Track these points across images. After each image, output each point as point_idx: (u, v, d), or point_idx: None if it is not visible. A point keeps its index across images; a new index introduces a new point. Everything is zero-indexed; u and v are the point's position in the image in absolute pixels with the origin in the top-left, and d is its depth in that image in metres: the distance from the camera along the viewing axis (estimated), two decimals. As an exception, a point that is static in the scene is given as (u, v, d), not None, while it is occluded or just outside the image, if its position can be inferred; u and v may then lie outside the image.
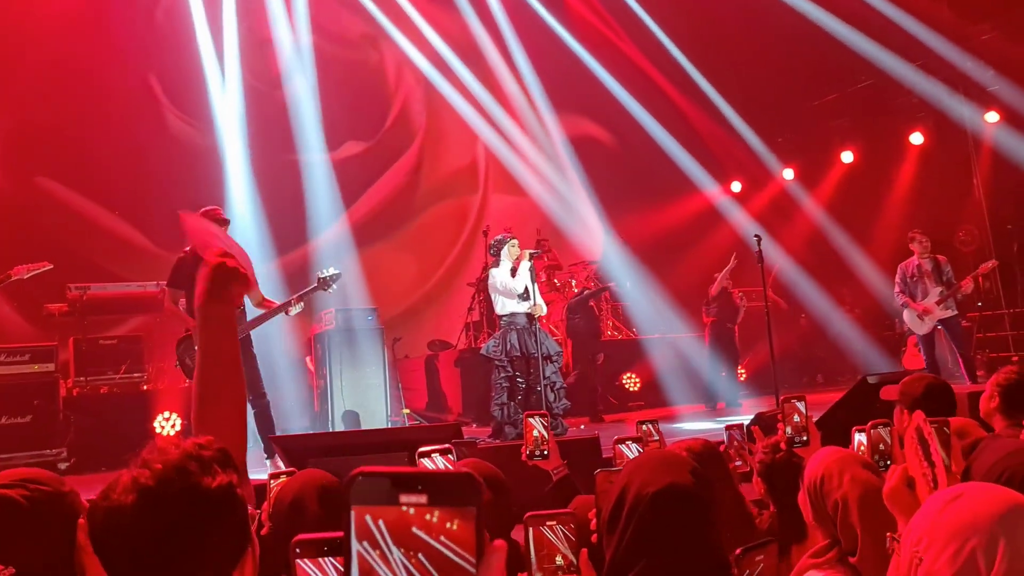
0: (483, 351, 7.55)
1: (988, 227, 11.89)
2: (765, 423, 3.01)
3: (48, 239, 8.43)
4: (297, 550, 1.25)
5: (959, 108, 11.91)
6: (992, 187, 11.85)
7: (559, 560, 1.58)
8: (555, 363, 7.47)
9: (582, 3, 13.92)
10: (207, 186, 10.38)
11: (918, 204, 12.48)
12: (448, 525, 0.62)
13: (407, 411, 9.26)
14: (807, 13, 12.23)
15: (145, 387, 8.32)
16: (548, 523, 1.60)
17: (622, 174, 13.48)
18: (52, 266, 5.81)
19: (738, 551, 1.63)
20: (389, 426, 8.33)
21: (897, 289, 8.54)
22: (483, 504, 0.63)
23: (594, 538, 1.71)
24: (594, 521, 1.76)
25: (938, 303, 8.26)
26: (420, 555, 0.61)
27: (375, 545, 0.61)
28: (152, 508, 1.11)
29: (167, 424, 7.88)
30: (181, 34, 11.01)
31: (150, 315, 8.97)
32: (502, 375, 7.27)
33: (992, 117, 11.53)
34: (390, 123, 13.22)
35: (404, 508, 0.62)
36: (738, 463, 3.00)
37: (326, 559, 1.26)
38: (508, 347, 7.24)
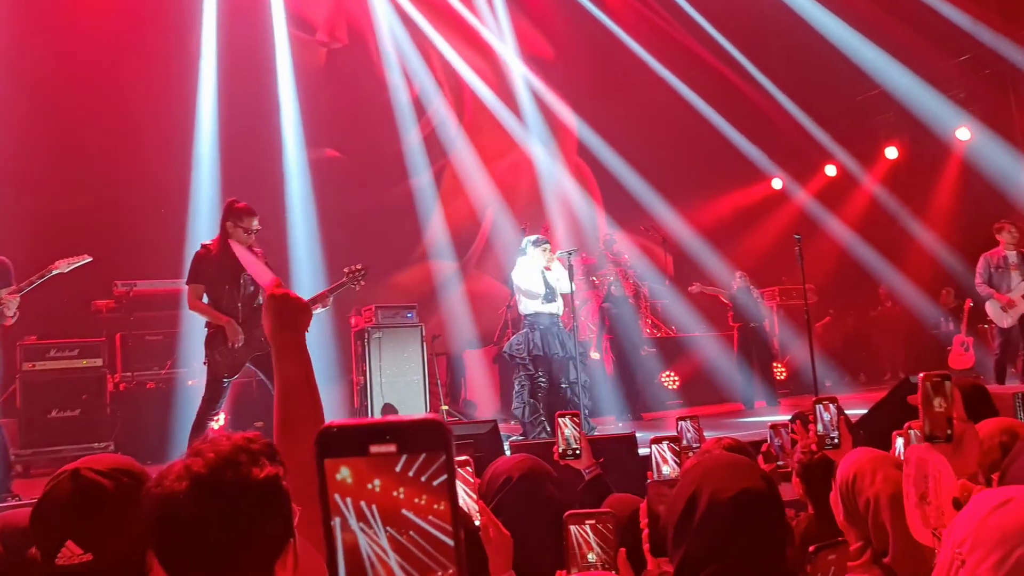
0: (505, 350, 7.53)
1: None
2: (807, 421, 2.96)
3: (94, 239, 8.54)
4: None
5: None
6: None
7: (591, 557, 1.58)
8: (581, 363, 7.42)
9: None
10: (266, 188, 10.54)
11: (965, 200, 12.23)
12: (436, 507, 0.64)
13: (445, 408, 9.30)
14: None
15: (190, 382, 8.44)
16: (588, 522, 1.61)
17: (663, 164, 13.30)
18: (91, 258, 5.69)
19: (811, 549, 1.62)
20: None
21: (979, 279, 8.25)
22: (452, 450, 0.65)
23: (646, 547, 1.72)
24: (644, 526, 1.77)
25: (1023, 296, 8.05)
26: (412, 532, 0.64)
27: (369, 525, 0.64)
28: (204, 495, 1.17)
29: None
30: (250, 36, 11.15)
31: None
32: (523, 374, 7.24)
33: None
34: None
35: (386, 485, 0.64)
36: (780, 463, 2.96)
37: None
38: (531, 346, 7.22)
